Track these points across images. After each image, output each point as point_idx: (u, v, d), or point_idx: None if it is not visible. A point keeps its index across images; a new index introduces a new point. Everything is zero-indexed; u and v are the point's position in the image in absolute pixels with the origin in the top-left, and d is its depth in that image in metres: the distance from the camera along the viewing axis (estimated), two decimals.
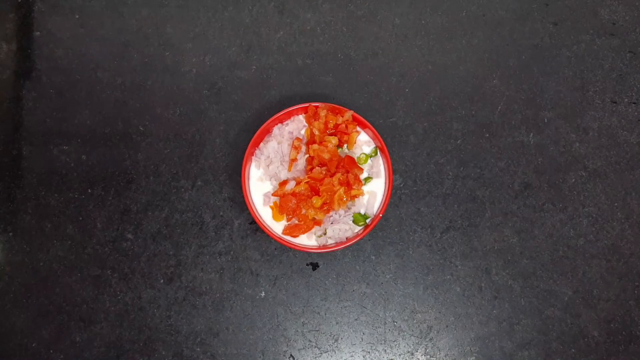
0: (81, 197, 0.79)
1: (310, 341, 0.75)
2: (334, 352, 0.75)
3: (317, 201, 0.71)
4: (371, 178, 0.75)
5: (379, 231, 0.78)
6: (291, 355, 0.75)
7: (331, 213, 0.73)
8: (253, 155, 0.76)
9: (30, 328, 0.75)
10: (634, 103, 0.83)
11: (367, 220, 0.73)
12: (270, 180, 0.75)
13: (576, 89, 0.83)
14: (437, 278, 0.77)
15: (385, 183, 0.75)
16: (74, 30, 0.85)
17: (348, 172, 0.73)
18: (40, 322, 0.75)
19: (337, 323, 0.76)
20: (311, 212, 0.72)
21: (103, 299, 0.76)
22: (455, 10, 0.86)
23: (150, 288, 0.76)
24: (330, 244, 0.73)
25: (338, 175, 0.72)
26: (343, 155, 0.75)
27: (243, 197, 0.74)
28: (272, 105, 0.82)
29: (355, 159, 0.75)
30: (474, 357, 0.75)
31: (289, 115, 0.76)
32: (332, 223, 0.73)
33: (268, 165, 0.75)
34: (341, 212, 0.73)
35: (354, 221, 0.73)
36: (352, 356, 0.75)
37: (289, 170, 0.74)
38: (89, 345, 0.75)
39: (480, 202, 0.79)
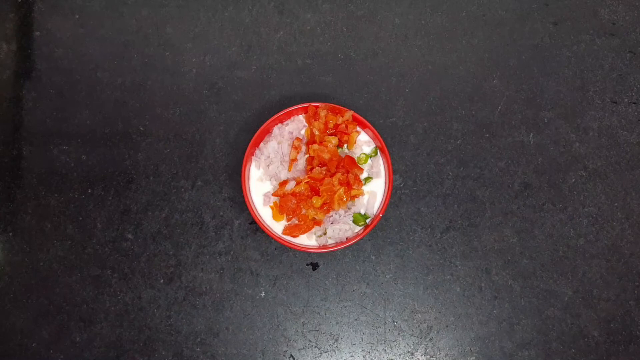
0: (81, 197, 0.79)
1: (310, 341, 0.75)
2: (334, 352, 0.75)
3: (317, 201, 0.71)
4: (371, 178, 0.75)
5: (379, 231, 0.78)
6: (291, 355, 0.75)
7: (331, 213, 0.73)
8: (253, 155, 0.76)
9: (30, 328, 0.75)
10: (634, 103, 0.83)
11: (367, 220, 0.73)
12: (270, 180, 0.75)
13: (576, 89, 0.83)
14: (437, 278, 0.77)
15: (385, 183, 0.75)
16: (74, 30, 0.85)
17: (348, 172, 0.73)
18: (40, 322, 0.75)
19: (337, 323, 0.76)
20: (311, 212, 0.72)
21: (103, 299, 0.76)
22: (455, 10, 0.86)
23: (150, 288, 0.76)
24: (330, 244, 0.73)
25: (338, 175, 0.72)
26: (343, 155, 0.75)
27: (243, 197, 0.74)
28: (272, 105, 0.82)
29: (355, 159, 0.75)
30: (474, 357, 0.75)
31: (289, 115, 0.76)
32: (332, 223, 0.73)
33: (268, 165, 0.75)
34: (341, 212, 0.73)
35: (354, 221, 0.73)
36: (352, 356, 0.75)
37: (289, 170, 0.74)
38: (89, 345, 0.75)
39: (480, 202, 0.79)
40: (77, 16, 0.85)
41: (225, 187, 0.79)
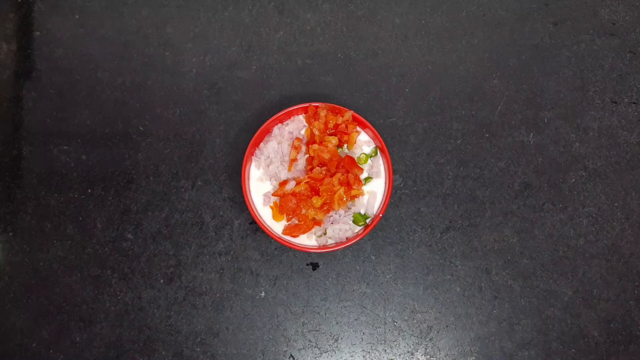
0: (81, 197, 0.79)
1: (310, 341, 0.75)
2: (334, 352, 0.75)
3: (317, 201, 0.71)
4: (371, 178, 0.75)
5: (379, 231, 0.78)
6: (291, 355, 0.75)
7: (331, 213, 0.73)
8: (253, 155, 0.76)
9: (30, 328, 0.75)
10: (634, 103, 0.83)
11: (367, 220, 0.73)
12: (270, 180, 0.75)
13: (576, 89, 0.83)
14: (437, 278, 0.77)
15: (385, 183, 0.75)
16: (74, 30, 0.85)
17: (348, 172, 0.73)
18: (40, 322, 0.75)
19: (337, 323, 0.76)
20: (311, 212, 0.72)
21: (103, 299, 0.76)
22: (455, 10, 0.86)
23: (150, 288, 0.76)
24: (330, 244, 0.73)
25: (338, 175, 0.72)
26: (343, 155, 0.75)
27: (243, 197, 0.74)
28: (272, 105, 0.82)
29: (355, 159, 0.75)
30: (474, 357, 0.75)
31: (289, 115, 0.76)
32: (332, 223, 0.73)
33: (268, 165, 0.75)
34: (341, 212, 0.73)
35: (354, 221, 0.73)
36: (352, 356, 0.75)
37: (289, 170, 0.74)
38: (89, 345, 0.75)
39: (480, 202, 0.79)
40: (77, 16, 0.85)
41: (225, 187, 0.79)
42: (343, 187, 0.72)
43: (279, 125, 0.77)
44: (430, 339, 0.76)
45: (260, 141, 0.76)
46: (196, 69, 0.83)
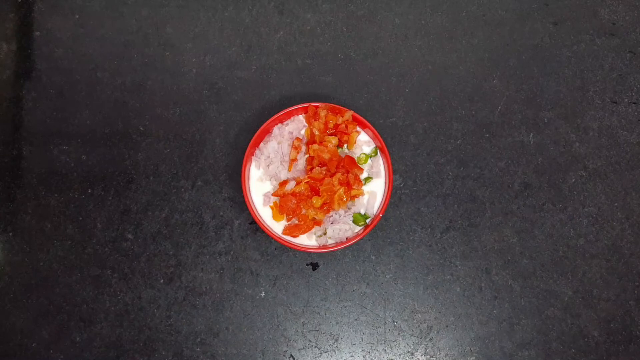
0: (81, 197, 0.79)
1: (310, 341, 0.75)
2: (334, 352, 0.75)
3: (317, 201, 0.71)
4: (371, 178, 0.75)
5: (379, 231, 0.78)
6: (291, 355, 0.75)
7: (331, 213, 0.73)
8: (253, 155, 0.76)
9: (30, 328, 0.75)
10: (634, 103, 0.83)
11: (367, 220, 0.73)
12: (270, 180, 0.75)
13: (576, 89, 0.83)
14: (437, 278, 0.77)
15: (385, 183, 0.75)
16: (74, 30, 0.85)
17: (348, 172, 0.73)
18: (40, 322, 0.75)
19: (337, 323, 0.76)
20: (311, 212, 0.72)
21: (103, 299, 0.76)
22: (455, 10, 0.86)
23: (150, 288, 0.76)
24: (330, 244, 0.73)
25: (338, 175, 0.72)
26: (343, 155, 0.75)
27: (243, 197, 0.74)
28: (272, 105, 0.82)
29: (355, 159, 0.75)
30: (474, 357, 0.75)
31: (289, 115, 0.76)
32: (332, 223, 0.73)
33: (268, 165, 0.75)
34: (341, 212, 0.73)
35: (354, 221, 0.73)
36: (352, 356, 0.75)
37: (289, 170, 0.74)
38: (89, 345, 0.75)
39: (480, 202, 0.79)
40: (77, 16, 0.85)
41: (225, 187, 0.79)
42: (343, 187, 0.72)
43: (279, 125, 0.77)
44: (430, 339, 0.76)
45: (260, 141, 0.76)
46: (196, 69, 0.83)
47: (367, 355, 0.75)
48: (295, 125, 0.77)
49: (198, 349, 0.75)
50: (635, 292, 0.77)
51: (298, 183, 0.72)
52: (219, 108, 0.82)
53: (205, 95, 0.82)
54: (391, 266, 0.77)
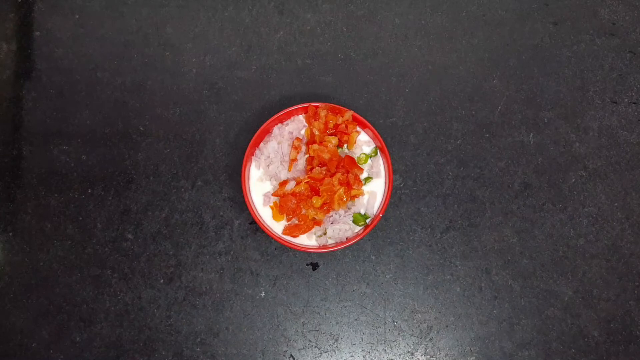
0: (81, 197, 0.79)
1: (310, 341, 0.75)
2: (334, 352, 0.75)
3: (317, 201, 0.71)
4: (371, 178, 0.75)
5: (379, 231, 0.78)
6: (291, 355, 0.75)
7: (331, 213, 0.73)
8: (253, 155, 0.76)
9: (30, 328, 0.75)
10: (634, 103, 0.83)
11: (367, 220, 0.73)
12: (270, 180, 0.75)
13: (576, 89, 0.83)
14: (437, 278, 0.77)
15: (385, 183, 0.75)
16: (74, 30, 0.85)
17: (348, 172, 0.73)
18: (40, 322, 0.75)
19: (337, 323, 0.76)
20: (311, 212, 0.72)
21: (103, 299, 0.76)
22: (455, 10, 0.86)
23: (150, 288, 0.76)
24: (330, 244, 0.73)
25: (338, 175, 0.72)
26: (343, 155, 0.75)
27: (243, 197, 0.74)
28: (272, 105, 0.82)
29: (355, 159, 0.75)
30: (474, 357, 0.75)
31: (289, 115, 0.76)
32: (332, 223, 0.73)
33: (268, 165, 0.75)
34: (341, 212, 0.73)
35: (354, 221, 0.73)
36: (352, 356, 0.75)
37: (289, 170, 0.74)
38: (89, 345, 0.75)
39: (480, 202, 0.79)
40: (77, 16, 0.85)
41: (225, 187, 0.79)
42: (343, 187, 0.72)
43: (279, 125, 0.77)
44: (430, 339, 0.76)
45: (260, 141, 0.76)
46: (196, 69, 0.83)
47: (367, 355, 0.75)
48: (295, 125, 0.77)
49: (198, 349, 0.75)
50: (635, 292, 0.77)
51: (298, 183, 0.72)
52: (219, 108, 0.82)
53: (205, 95, 0.82)
54: (391, 266, 0.77)
